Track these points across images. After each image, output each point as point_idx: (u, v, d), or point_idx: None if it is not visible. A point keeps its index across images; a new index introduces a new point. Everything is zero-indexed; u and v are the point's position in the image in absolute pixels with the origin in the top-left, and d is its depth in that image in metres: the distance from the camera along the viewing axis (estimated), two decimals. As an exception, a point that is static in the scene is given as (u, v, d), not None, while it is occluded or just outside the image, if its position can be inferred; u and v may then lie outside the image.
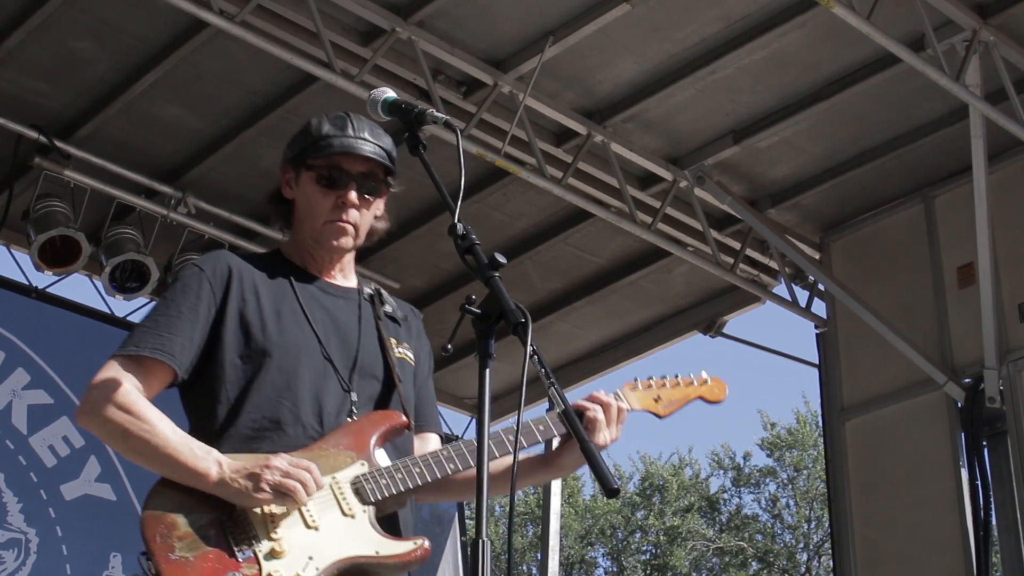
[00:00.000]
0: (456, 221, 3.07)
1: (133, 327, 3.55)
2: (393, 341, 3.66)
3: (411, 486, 3.40)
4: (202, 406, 3.46)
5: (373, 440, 3.43)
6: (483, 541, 2.73)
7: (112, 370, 3.40)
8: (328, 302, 3.61)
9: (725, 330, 10.67)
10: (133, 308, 9.79)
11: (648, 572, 28.46)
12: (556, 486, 11.14)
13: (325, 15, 7.76)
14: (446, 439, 3.76)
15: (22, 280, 9.36)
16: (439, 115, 3.30)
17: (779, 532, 28.39)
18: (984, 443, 8.99)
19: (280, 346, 3.46)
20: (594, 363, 11.08)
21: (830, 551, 10.33)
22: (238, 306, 3.50)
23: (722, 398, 3.99)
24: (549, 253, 10.10)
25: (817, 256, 10.03)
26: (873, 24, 7.44)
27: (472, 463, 3.44)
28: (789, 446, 28.02)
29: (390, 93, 3.41)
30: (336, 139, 3.60)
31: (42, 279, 9.30)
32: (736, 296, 10.41)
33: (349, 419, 3.46)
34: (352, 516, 3.32)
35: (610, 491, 2.76)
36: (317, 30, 7.64)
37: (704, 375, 3.98)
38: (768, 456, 28.35)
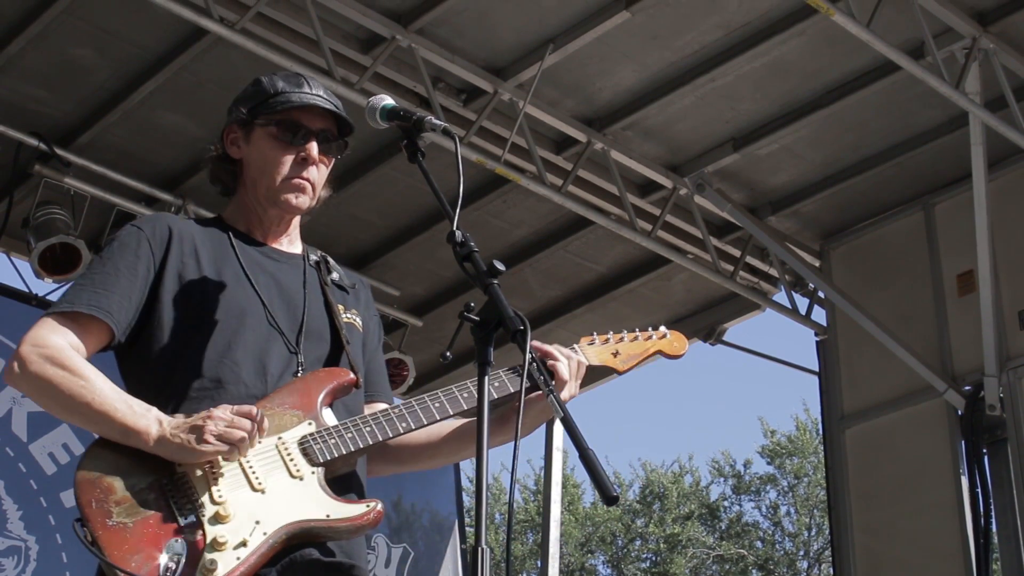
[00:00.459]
0: (455, 228, 3.04)
1: (70, 285, 3.38)
2: (341, 307, 3.54)
3: (361, 446, 3.27)
4: (140, 368, 3.32)
5: (320, 398, 3.30)
6: (483, 549, 2.71)
7: (45, 327, 3.24)
8: (272, 267, 3.49)
9: (725, 337, 10.67)
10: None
11: (648, 580, 28.44)
12: (556, 493, 11.12)
13: (325, 23, 7.77)
14: None
15: (22, 287, 9.38)
16: (438, 122, 3.28)
17: (779, 540, 28.39)
18: (984, 450, 9.00)
19: (222, 308, 3.33)
20: (594, 370, 11.05)
21: (830, 559, 10.33)
22: (177, 268, 3.37)
23: (682, 352, 3.89)
24: (549, 260, 10.10)
25: (817, 264, 10.03)
26: (873, 32, 7.44)
27: (424, 420, 3.35)
28: (789, 453, 28.03)
29: (388, 100, 3.40)
30: (294, 94, 3.52)
31: (42, 286, 9.31)
32: (736, 303, 10.42)
33: (294, 378, 3.33)
34: (300, 478, 3.19)
35: (609, 499, 2.72)
36: (317, 38, 7.65)
37: (662, 329, 3.87)
38: (768, 464, 28.37)
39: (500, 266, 2.98)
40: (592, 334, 3.76)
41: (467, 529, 11.00)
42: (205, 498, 3.11)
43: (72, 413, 3.19)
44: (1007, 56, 8.13)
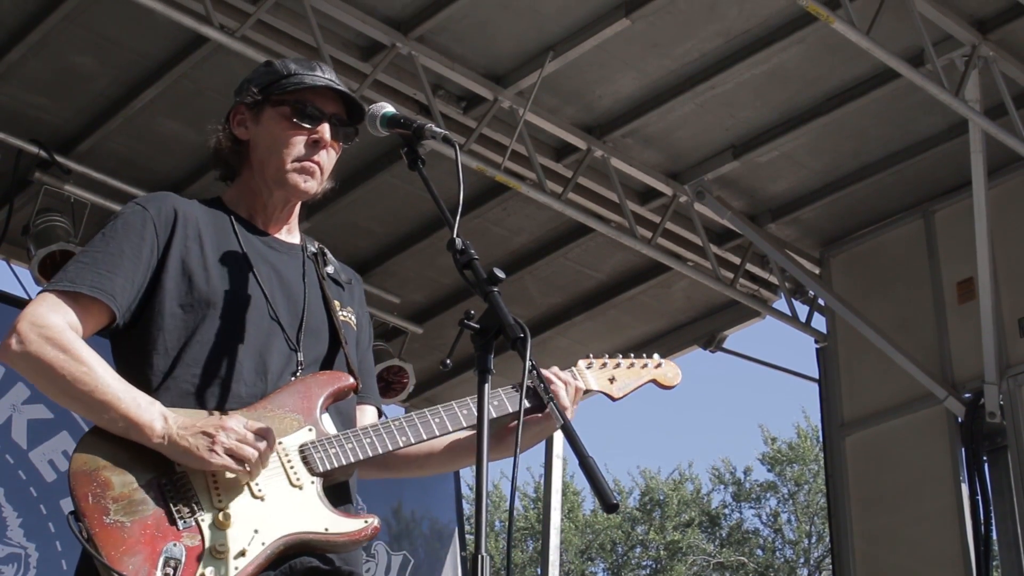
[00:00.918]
0: (455, 236, 3.03)
1: (71, 260, 3.29)
2: (337, 304, 3.49)
3: (361, 458, 3.25)
4: (137, 356, 3.23)
5: (320, 403, 3.27)
6: (483, 556, 2.71)
7: (45, 304, 3.16)
8: (273, 257, 3.43)
9: (725, 345, 10.67)
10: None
11: (648, 587, 28.43)
12: (556, 501, 11.12)
13: (325, 30, 7.77)
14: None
15: (22, 295, 9.36)
16: (438, 130, 3.27)
17: (780, 547, 28.39)
18: (984, 458, 8.99)
19: (225, 298, 3.26)
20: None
21: (831, 566, 10.32)
22: (181, 253, 3.29)
23: (675, 383, 3.90)
24: (549, 268, 10.10)
25: (817, 271, 10.03)
26: (872, 39, 7.45)
27: (424, 435, 3.34)
28: (790, 461, 28.04)
29: (389, 108, 3.40)
30: (307, 76, 3.48)
31: (42, 294, 9.29)
32: (736, 311, 10.41)
33: (293, 378, 3.29)
34: (300, 487, 3.16)
35: (609, 506, 2.72)
36: (317, 45, 7.65)
37: (656, 357, 3.89)
38: (769, 471, 28.38)
39: (500, 274, 2.98)
40: (589, 356, 3.79)
41: (467, 536, 11.00)
42: (205, 502, 3.07)
43: (71, 399, 3.11)
44: (1007, 64, 8.14)
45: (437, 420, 3.38)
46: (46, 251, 8.73)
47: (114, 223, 3.31)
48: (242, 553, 3.04)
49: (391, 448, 3.31)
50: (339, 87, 3.50)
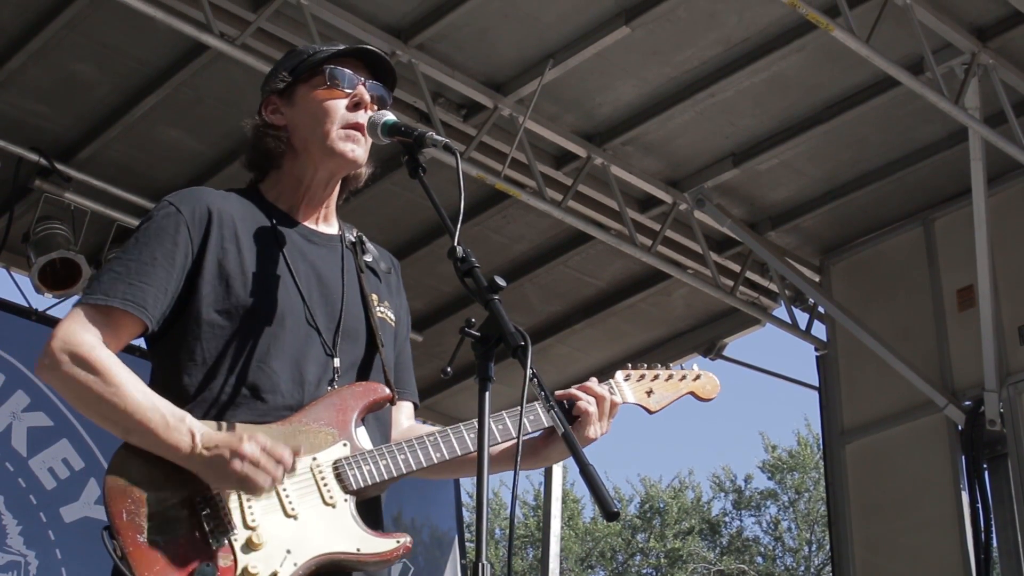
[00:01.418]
0: (456, 244, 3.01)
1: (101, 268, 3.23)
2: (375, 297, 3.44)
3: (395, 475, 3.24)
4: (173, 363, 3.21)
5: (355, 416, 3.25)
6: (483, 564, 2.70)
7: (77, 320, 3.12)
8: (311, 252, 3.38)
9: (725, 353, 10.67)
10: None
11: (648, 595, 28.41)
12: (556, 508, 11.11)
13: (325, 38, 7.77)
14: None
15: (22, 302, 9.38)
16: (439, 138, 3.25)
17: (780, 555, 28.37)
18: (984, 466, 8.99)
19: (262, 305, 3.21)
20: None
21: (831, 574, 10.32)
22: (217, 255, 3.23)
23: (713, 396, 3.86)
24: (549, 276, 10.10)
25: (817, 279, 10.04)
26: (872, 47, 7.45)
27: (459, 450, 3.31)
28: (790, 468, 28.03)
29: (389, 116, 3.39)
30: (333, 47, 3.47)
31: (42, 301, 9.32)
32: (736, 319, 10.41)
33: (330, 387, 3.26)
34: (333, 505, 3.15)
35: (610, 514, 2.71)
36: (318, 53, 7.65)
37: (696, 369, 3.86)
38: (769, 479, 28.36)
39: (501, 281, 2.95)
40: (628, 367, 3.74)
41: (467, 544, 10.99)
42: (238, 521, 3.06)
43: (102, 419, 3.09)
44: (1006, 71, 8.15)
45: (472, 435, 3.34)
46: (46, 259, 8.74)
47: (147, 227, 3.24)
48: (274, 575, 3.04)
49: (425, 464, 3.29)
50: (365, 47, 3.50)
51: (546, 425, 3.47)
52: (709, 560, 28.19)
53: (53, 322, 9.18)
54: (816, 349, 10.11)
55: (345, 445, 3.22)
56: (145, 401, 3.07)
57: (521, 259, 9.95)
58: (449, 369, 3.20)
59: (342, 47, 3.49)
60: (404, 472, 3.26)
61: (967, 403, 9.06)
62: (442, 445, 3.32)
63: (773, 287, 10.24)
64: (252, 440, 3.05)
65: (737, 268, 10.05)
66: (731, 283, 9.93)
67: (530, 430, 3.45)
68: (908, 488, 9.18)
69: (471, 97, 8.42)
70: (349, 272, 3.43)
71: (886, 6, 7.53)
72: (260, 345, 3.20)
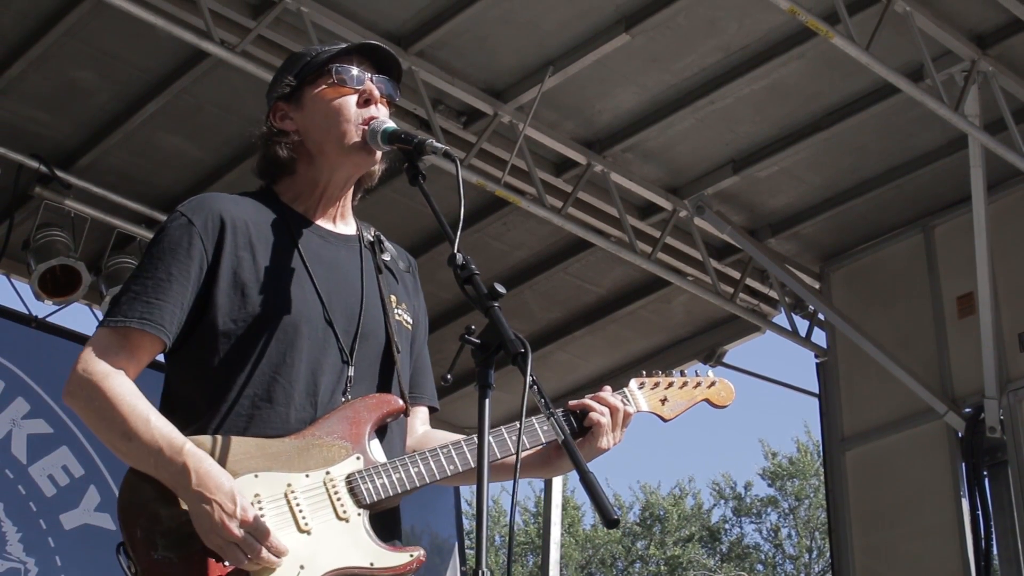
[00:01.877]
0: (455, 251, 3.00)
1: (122, 288, 3.24)
2: (393, 299, 3.43)
3: (408, 488, 3.21)
4: (188, 375, 3.21)
5: (368, 429, 3.23)
6: (483, 572, 2.70)
7: (96, 347, 3.14)
8: (330, 253, 3.36)
9: (725, 359, 10.66)
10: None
11: (649, 602, 28.38)
12: (556, 515, 11.11)
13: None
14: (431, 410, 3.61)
15: (22, 309, 9.38)
16: (439, 145, 3.24)
17: (780, 562, 28.36)
18: (985, 473, 8.98)
19: (278, 312, 3.20)
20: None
21: (831, 581, 10.32)
22: (232, 264, 3.21)
23: (728, 403, 3.85)
24: (549, 283, 10.10)
25: (817, 286, 10.03)
26: (872, 54, 7.46)
27: (472, 462, 3.28)
28: (791, 475, 28.02)
29: (389, 123, 3.38)
30: (335, 46, 3.46)
31: (42, 308, 9.31)
32: (736, 326, 10.41)
33: (344, 397, 3.23)
34: (347, 520, 3.13)
35: (610, 522, 2.70)
36: (318, 60, 7.65)
37: (711, 375, 3.85)
38: (769, 486, 28.35)
39: (501, 288, 2.94)
40: (642, 374, 3.72)
41: (467, 552, 10.98)
42: None
43: (112, 448, 3.11)
44: (1006, 79, 8.15)
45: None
46: (46, 266, 8.74)
47: (160, 242, 3.23)
48: None
49: (439, 477, 3.27)
50: (369, 42, 3.49)
51: (560, 435, 3.44)
52: (709, 567, 28.18)
53: (53, 329, 9.22)
54: (816, 356, 10.11)
55: (358, 459, 3.20)
56: (147, 434, 3.06)
57: (521, 266, 9.95)
58: (449, 376, 3.21)
59: (345, 44, 3.48)
60: (418, 485, 3.24)
61: (967, 410, 9.05)
62: (455, 458, 3.30)
63: (773, 294, 10.23)
64: (234, 517, 2.99)
65: (737, 275, 10.05)
66: (731, 290, 9.92)
67: (544, 440, 3.42)
68: (908, 495, 9.17)
69: (471, 104, 8.42)
70: (368, 272, 3.42)
71: (886, 13, 7.53)
72: (276, 354, 3.19)
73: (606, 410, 3.48)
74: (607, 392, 3.55)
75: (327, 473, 3.16)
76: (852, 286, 9.91)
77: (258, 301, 3.20)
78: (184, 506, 3.01)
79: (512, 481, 2.92)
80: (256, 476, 3.10)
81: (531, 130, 8.45)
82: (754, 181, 9.19)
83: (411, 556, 3.18)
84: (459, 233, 3.00)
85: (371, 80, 3.42)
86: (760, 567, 28.20)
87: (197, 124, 8.55)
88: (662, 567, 28.19)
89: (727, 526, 28.89)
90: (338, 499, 3.15)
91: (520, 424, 3.00)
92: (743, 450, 48.42)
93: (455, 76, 8.21)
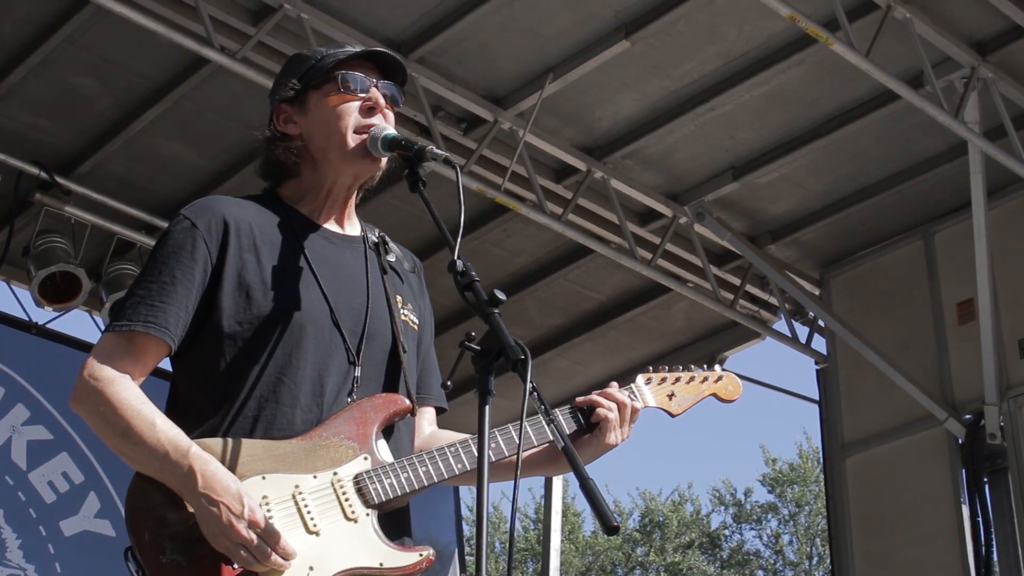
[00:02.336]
0: (456, 257, 3.00)
1: (127, 293, 3.24)
2: (399, 299, 3.45)
3: (416, 487, 3.21)
4: (194, 379, 3.21)
5: (375, 429, 3.21)
6: (483, 578, 2.71)
7: (101, 352, 3.15)
8: (335, 256, 3.35)
9: (725, 366, 10.62)
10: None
11: (649, 609, 28.36)
12: (556, 522, 11.10)
13: (326, 52, 7.79)
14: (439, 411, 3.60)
15: (22, 316, 9.38)
16: (439, 151, 3.24)
17: (781, 568, 28.32)
18: (985, 479, 8.98)
19: (284, 313, 3.19)
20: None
21: (831, 588, 10.31)
22: (236, 267, 3.20)
23: (736, 396, 3.86)
24: (549, 289, 10.10)
25: (817, 292, 10.03)
26: (872, 61, 7.46)
27: None
28: (791, 482, 27.99)
29: (390, 130, 3.37)
30: (340, 51, 3.44)
31: (42, 315, 9.31)
32: (736, 332, 10.41)
33: (349, 398, 3.22)
34: (355, 520, 3.12)
35: (610, 528, 2.70)
36: (318, 67, 7.66)
37: (718, 369, 3.84)
38: (770, 492, 28.32)
39: (501, 295, 2.94)
40: (648, 369, 3.71)
41: (467, 558, 10.97)
42: None
43: (118, 453, 3.11)
44: (1006, 85, 8.15)
45: (493, 445, 3.30)
46: (46, 272, 8.74)
47: (164, 245, 3.23)
48: None
49: (446, 476, 3.27)
50: (375, 49, 3.47)
51: (566, 432, 3.41)
52: (709, 574, 28.15)
53: (53, 336, 9.22)
54: (816, 362, 10.11)
55: (366, 459, 3.19)
56: (151, 439, 3.05)
57: (521, 272, 9.95)
58: (449, 383, 3.19)
59: (351, 50, 3.46)
60: (425, 484, 3.23)
61: (967, 416, 9.05)
62: (463, 456, 3.29)
63: (773, 300, 10.23)
64: (242, 519, 2.98)
65: (737, 281, 10.05)
66: (731, 296, 9.93)
67: (551, 437, 3.36)
68: (908, 501, 9.17)
69: (471, 111, 8.42)
70: (373, 273, 3.42)
71: (886, 20, 7.54)
72: (282, 356, 3.18)
73: (613, 406, 3.48)
74: (614, 388, 3.54)
75: (335, 474, 3.15)
76: (852, 292, 9.91)
77: (263, 303, 3.19)
78: (191, 509, 3.00)
79: (513, 487, 2.91)
80: (263, 478, 3.09)
81: (531, 137, 8.45)
82: (754, 187, 9.20)
83: (420, 555, 3.20)
84: (459, 239, 3.00)
85: (376, 87, 3.41)
86: (760, 573, 28.17)
87: (197, 131, 8.56)
88: (662, 573, 28.17)
89: (727, 532, 28.87)
90: (346, 499, 3.14)
91: (520, 429, 3.00)
92: (743, 456, 48.42)
93: (455, 83, 8.21)
